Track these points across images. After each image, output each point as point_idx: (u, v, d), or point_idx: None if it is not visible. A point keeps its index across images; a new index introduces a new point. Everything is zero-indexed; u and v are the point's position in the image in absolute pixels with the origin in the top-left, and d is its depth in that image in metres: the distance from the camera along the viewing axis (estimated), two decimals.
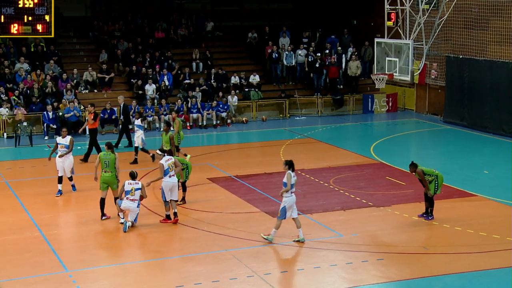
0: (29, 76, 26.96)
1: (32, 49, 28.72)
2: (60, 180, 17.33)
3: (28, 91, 26.41)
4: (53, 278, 12.42)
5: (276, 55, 30.57)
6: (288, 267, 12.80)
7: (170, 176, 15.04)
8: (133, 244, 14.16)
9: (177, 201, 15.45)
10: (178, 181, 15.86)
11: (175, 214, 15.19)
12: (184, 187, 16.66)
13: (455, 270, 12.59)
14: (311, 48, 30.73)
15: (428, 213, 15.41)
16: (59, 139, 17.59)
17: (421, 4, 24.12)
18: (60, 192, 17.32)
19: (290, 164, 13.80)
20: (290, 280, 12.28)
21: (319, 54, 30.46)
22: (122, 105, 23.50)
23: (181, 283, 12.07)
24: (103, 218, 15.35)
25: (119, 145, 22.82)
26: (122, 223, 14.95)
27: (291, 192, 13.74)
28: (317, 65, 30.12)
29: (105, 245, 14.10)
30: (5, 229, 15.05)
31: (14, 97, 25.91)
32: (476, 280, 12.16)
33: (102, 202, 15.27)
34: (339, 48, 31.09)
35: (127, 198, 14.73)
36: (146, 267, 12.96)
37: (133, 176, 14.95)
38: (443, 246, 13.82)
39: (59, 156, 17.37)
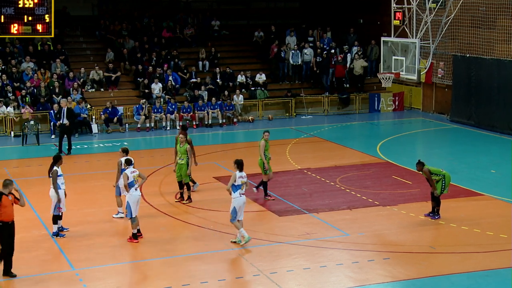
0: (35, 75, 27.04)
1: (39, 48, 28.80)
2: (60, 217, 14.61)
3: (35, 90, 26.49)
4: (60, 277, 12.46)
5: (284, 53, 30.57)
6: (294, 266, 12.79)
7: (136, 189, 13.95)
8: (140, 243, 14.16)
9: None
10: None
11: (138, 231, 14.14)
12: (188, 186, 16.69)
13: (462, 270, 12.55)
14: (318, 50, 30.72)
15: (434, 213, 15.37)
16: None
17: (428, 2, 24.02)
18: (63, 229, 14.71)
19: (129, 162, 14.03)
20: (296, 279, 12.27)
21: (332, 51, 30.41)
22: (65, 109, 22.29)
23: (187, 281, 12.09)
24: None
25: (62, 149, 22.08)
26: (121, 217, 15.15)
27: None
28: (323, 63, 30.15)
29: (111, 243, 14.12)
30: None
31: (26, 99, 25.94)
32: (483, 280, 12.12)
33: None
34: (345, 46, 31.07)
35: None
36: (153, 265, 12.98)
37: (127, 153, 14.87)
38: (450, 245, 13.78)
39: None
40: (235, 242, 13.75)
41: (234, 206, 13.54)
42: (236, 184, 13.53)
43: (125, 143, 23.86)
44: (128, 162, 14.26)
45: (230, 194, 13.63)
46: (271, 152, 22.74)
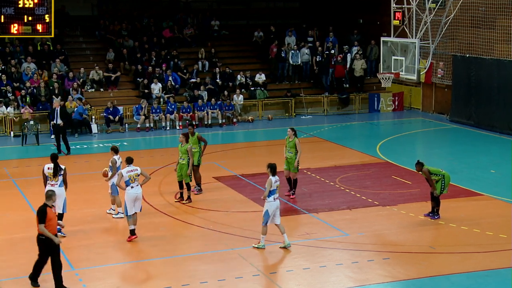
0: (35, 75, 27.04)
1: (39, 48, 28.80)
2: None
3: (35, 90, 26.48)
4: None
5: (285, 53, 30.59)
6: (294, 266, 12.79)
7: (132, 187, 14.02)
8: (140, 243, 14.17)
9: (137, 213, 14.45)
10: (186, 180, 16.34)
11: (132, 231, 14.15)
12: (188, 186, 16.69)
13: (461, 270, 12.56)
14: (320, 48, 30.74)
15: (434, 213, 15.38)
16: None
17: (427, 2, 24.01)
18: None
19: (129, 161, 14.16)
20: (295, 279, 12.27)
21: (332, 51, 30.48)
22: (59, 109, 22.06)
23: (187, 281, 12.09)
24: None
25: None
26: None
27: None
28: (323, 63, 30.21)
29: (111, 243, 14.12)
30: (12, 228, 15.11)
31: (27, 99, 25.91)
32: (483, 280, 12.12)
33: None
34: (345, 46, 31.08)
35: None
36: (152, 265, 12.98)
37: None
38: (450, 245, 13.78)
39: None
40: (257, 247, 13.51)
41: (267, 209, 13.35)
42: (271, 188, 13.36)
43: (125, 143, 23.91)
44: (129, 161, 14.31)
45: (264, 199, 13.49)
46: (271, 152, 22.85)
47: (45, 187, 14.31)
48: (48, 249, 11.55)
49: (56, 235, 11.61)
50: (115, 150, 15.51)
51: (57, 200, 14.14)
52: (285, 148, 17.02)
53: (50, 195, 11.70)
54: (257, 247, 13.54)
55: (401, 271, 12.50)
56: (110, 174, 15.37)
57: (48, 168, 14.27)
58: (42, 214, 11.47)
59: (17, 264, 12.90)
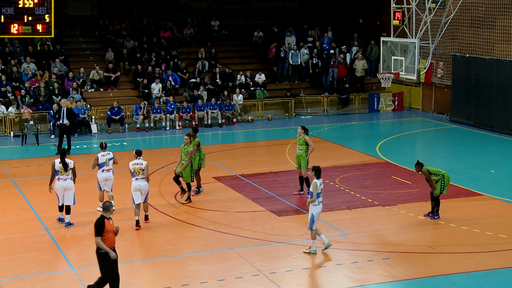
0: (35, 75, 27.03)
1: (39, 48, 28.79)
2: (61, 208, 15.22)
3: (35, 90, 26.47)
4: (60, 277, 12.47)
5: (284, 53, 30.59)
6: (293, 266, 12.80)
7: (136, 179, 14.72)
8: (139, 243, 14.18)
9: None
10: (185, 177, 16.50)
11: (146, 217, 15.05)
12: (189, 186, 16.68)
13: (461, 270, 12.56)
14: (315, 50, 30.74)
15: (434, 213, 15.38)
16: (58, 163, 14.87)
17: (427, 2, 24.02)
18: (62, 219, 15.24)
19: (138, 153, 14.85)
20: (295, 279, 12.28)
21: (332, 51, 30.50)
22: (65, 109, 22.11)
23: (186, 281, 12.09)
24: None
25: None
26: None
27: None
28: (323, 63, 30.20)
29: None
30: (11, 228, 15.12)
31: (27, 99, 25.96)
32: (483, 280, 12.13)
33: None
34: (344, 47, 31.08)
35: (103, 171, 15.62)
36: (152, 265, 12.99)
37: (102, 146, 15.76)
38: (449, 245, 13.79)
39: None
40: (308, 252, 13.37)
41: (313, 213, 13.22)
42: (317, 191, 13.25)
43: (125, 143, 23.93)
44: (137, 153, 14.96)
45: (309, 204, 13.36)
46: (271, 152, 22.89)
47: (50, 182, 14.97)
48: (109, 264, 11.09)
49: (114, 248, 11.18)
50: (101, 147, 15.95)
51: (67, 192, 14.84)
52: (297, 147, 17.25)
53: (107, 206, 11.18)
54: (308, 252, 13.33)
55: (401, 271, 12.51)
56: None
57: (60, 163, 14.78)
58: (99, 227, 10.99)
59: (17, 264, 12.90)
